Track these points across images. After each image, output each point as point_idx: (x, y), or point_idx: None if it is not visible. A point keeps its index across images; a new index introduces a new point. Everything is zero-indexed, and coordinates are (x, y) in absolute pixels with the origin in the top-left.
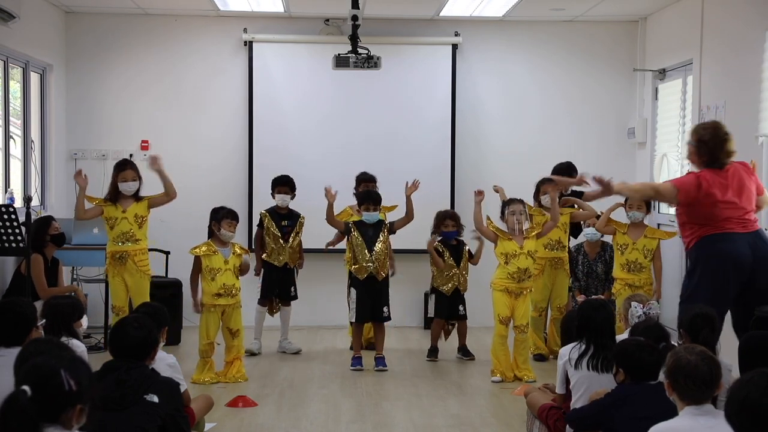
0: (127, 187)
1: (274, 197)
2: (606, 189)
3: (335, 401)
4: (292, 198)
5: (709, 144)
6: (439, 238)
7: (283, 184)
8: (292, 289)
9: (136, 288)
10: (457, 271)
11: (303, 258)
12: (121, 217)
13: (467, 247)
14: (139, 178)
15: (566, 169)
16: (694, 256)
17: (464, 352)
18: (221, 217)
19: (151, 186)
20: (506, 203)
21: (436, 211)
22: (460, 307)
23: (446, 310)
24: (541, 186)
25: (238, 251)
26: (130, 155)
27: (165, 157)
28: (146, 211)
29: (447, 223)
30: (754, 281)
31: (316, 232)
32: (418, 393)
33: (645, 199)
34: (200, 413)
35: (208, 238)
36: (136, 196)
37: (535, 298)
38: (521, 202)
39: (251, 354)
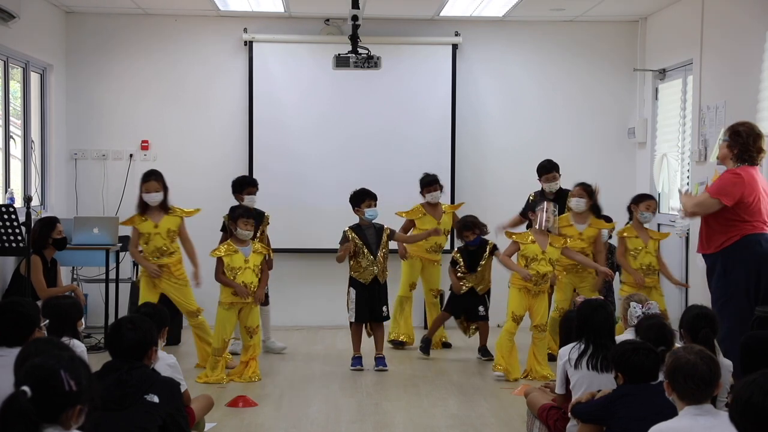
0: (150, 198)
1: (241, 199)
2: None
3: (335, 401)
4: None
5: (743, 136)
6: (461, 245)
7: (252, 185)
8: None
9: (181, 297)
10: (474, 275)
11: (272, 257)
12: (154, 233)
13: (489, 246)
14: (164, 188)
15: (547, 167)
16: (731, 257)
17: (484, 352)
18: (237, 216)
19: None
20: (537, 201)
21: None
22: (480, 308)
23: (460, 309)
24: (574, 188)
25: (260, 249)
26: (130, 155)
27: (165, 157)
28: (177, 227)
29: (467, 235)
30: None
31: (315, 232)
32: (418, 393)
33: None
34: (200, 413)
35: (229, 237)
36: (165, 208)
37: (558, 298)
38: (552, 201)
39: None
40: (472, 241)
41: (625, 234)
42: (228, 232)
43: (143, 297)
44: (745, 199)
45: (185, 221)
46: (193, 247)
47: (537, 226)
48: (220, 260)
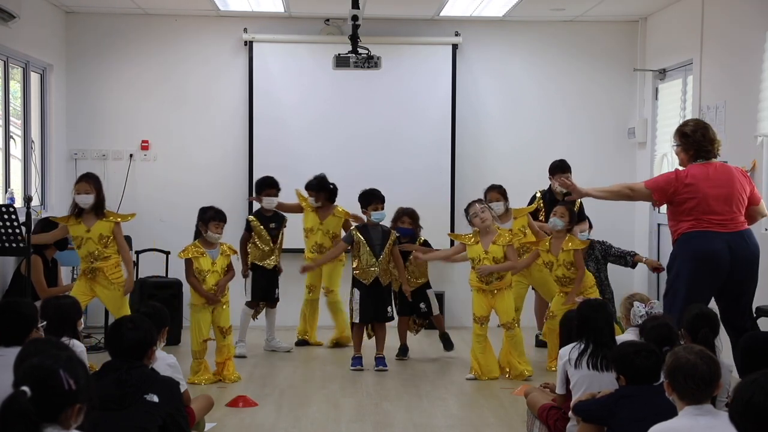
0: (80, 200)
1: (260, 201)
2: (574, 191)
3: (335, 401)
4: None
5: (691, 135)
6: (397, 235)
7: (272, 186)
8: (276, 291)
9: (111, 301)
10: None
11: (280, 261)
12: (86, 237)
13: (419, 241)
14: (96, 192)
15: (559, 167)
16: (674, 252)
17: (443, 339)
18: (208, 218)
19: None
20: (466, 209)
21: (434, 211)
22: (421, 305)
23: (408, 308)
24: (488, 193)
25: (227, 251)
26: (131, 155)
27: (165, 157)
28: (110, 233)
29: (404, 220)
30: (731, 279)
31: None
32: (418, 393)
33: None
34: (200, 413)
35: (195, 239)
36: (98, 212)
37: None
38: (479, 200)
39: (241, 356)
40: (406, 230)
41: (541, 247)
42: (197, 233)
43: (74, 293)
44: (677, 198)
45: (122, 227)
46: (128, 254)
47: (481, 232)
48: (189, 262)
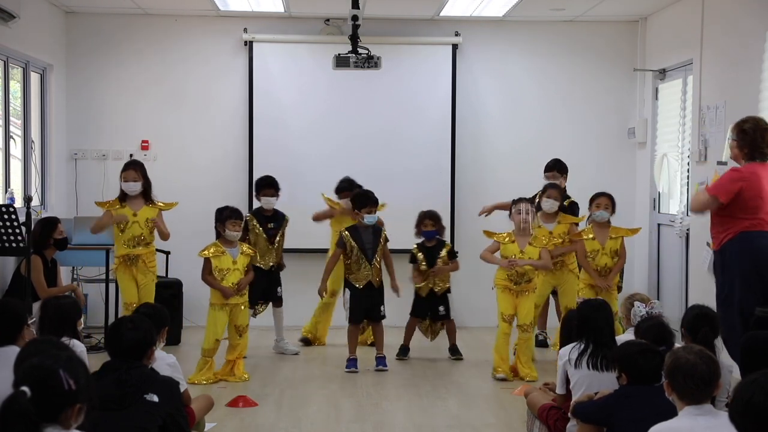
0: (128, 187)
1: (259, 199)
2: None
3: (335, 401)
4: (277, 199)
5: (750, 134)
6: (420, 240)
7: (269, 186)
8: (279, 290)
9: (146, 288)
10: (432, 274)
11: (282, 258)
12: (132, 221)
13: (445, 250)
14: (144, 178)
15: (555, 166)
16: (728, 251)
17: (453, 351)
18: (225, 218)
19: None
20: (514, 202)
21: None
22: (440, 308)
23: (424, 310)
24: (548, 189)
25: (247, 251)
26: (131, 155)
27: (165, 157)
28: (155, 217)
29: (426, 223)
30: None
31: (314, 232)
32: (418, 393)
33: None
34: (200, 413)
35: (216, 239)
36: (146, 199)
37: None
38: (529, 201)
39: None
40: (428, 232)
41: (584, 236)
42: (216, 233)
43: (125, 289)
44: (743, 195)
45: (163, 215)
46: (168, 231)
47: (517, 231)
48: (207, 261)
